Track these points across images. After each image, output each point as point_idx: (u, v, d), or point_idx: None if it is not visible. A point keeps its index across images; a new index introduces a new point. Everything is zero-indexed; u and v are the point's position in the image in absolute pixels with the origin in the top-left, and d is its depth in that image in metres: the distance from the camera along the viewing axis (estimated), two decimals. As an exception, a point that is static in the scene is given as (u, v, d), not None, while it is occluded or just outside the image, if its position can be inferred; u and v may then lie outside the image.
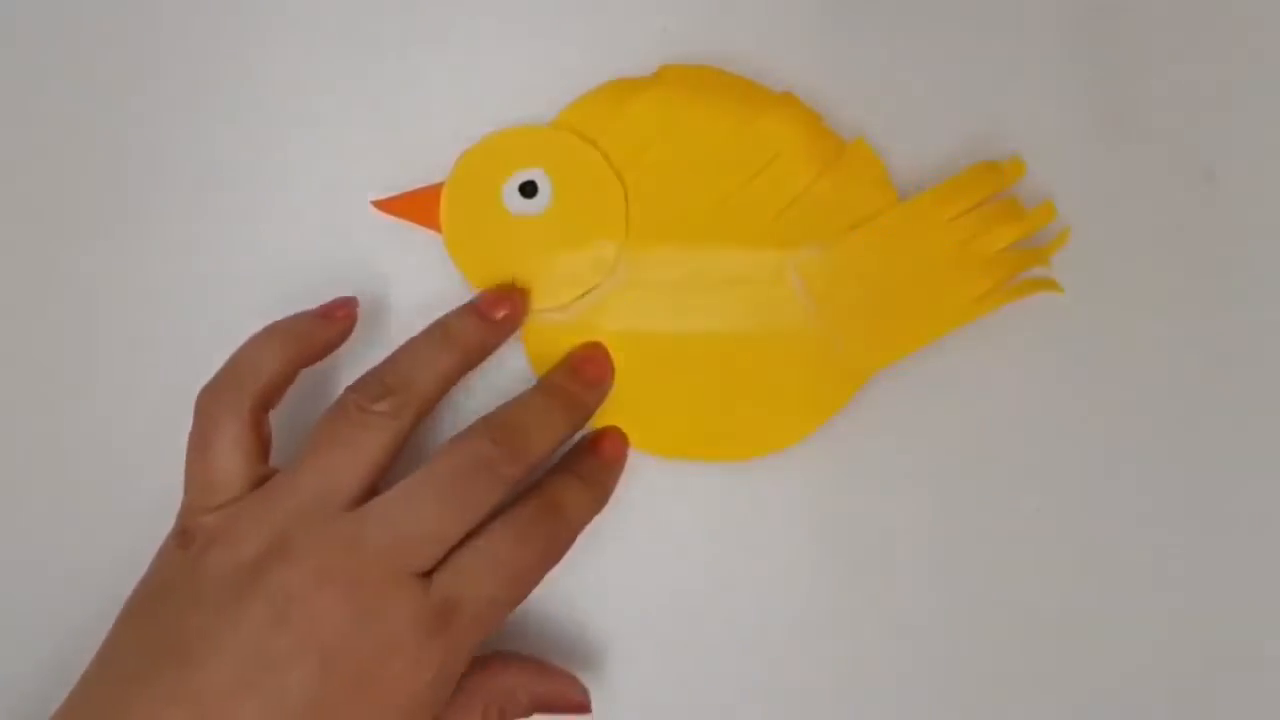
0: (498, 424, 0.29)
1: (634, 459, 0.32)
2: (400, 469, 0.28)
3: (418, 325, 0.32)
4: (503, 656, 0.30)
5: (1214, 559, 0.33)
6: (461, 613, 0.27)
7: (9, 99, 0.34)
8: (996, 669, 0.32)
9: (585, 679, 0.31)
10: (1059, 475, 0.33)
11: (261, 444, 0.29)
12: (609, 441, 0.32)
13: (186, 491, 0.28)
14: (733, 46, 0.33)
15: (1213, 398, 0.33)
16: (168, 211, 0.33)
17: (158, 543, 0.28)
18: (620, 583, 0.33)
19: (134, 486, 0.32)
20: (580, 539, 0.30)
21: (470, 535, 0.27)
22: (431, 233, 0.32)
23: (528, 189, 0.32)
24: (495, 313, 0.31)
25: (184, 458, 0.29)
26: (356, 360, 0.31)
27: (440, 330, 0.30)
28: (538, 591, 0.28)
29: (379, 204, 0.32)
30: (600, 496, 0.31)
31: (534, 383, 0.31)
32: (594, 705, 0.31)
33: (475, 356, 0.30)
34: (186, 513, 0.28)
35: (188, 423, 0.29)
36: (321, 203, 0.33)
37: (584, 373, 0.31)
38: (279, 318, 0.30)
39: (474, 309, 0.31)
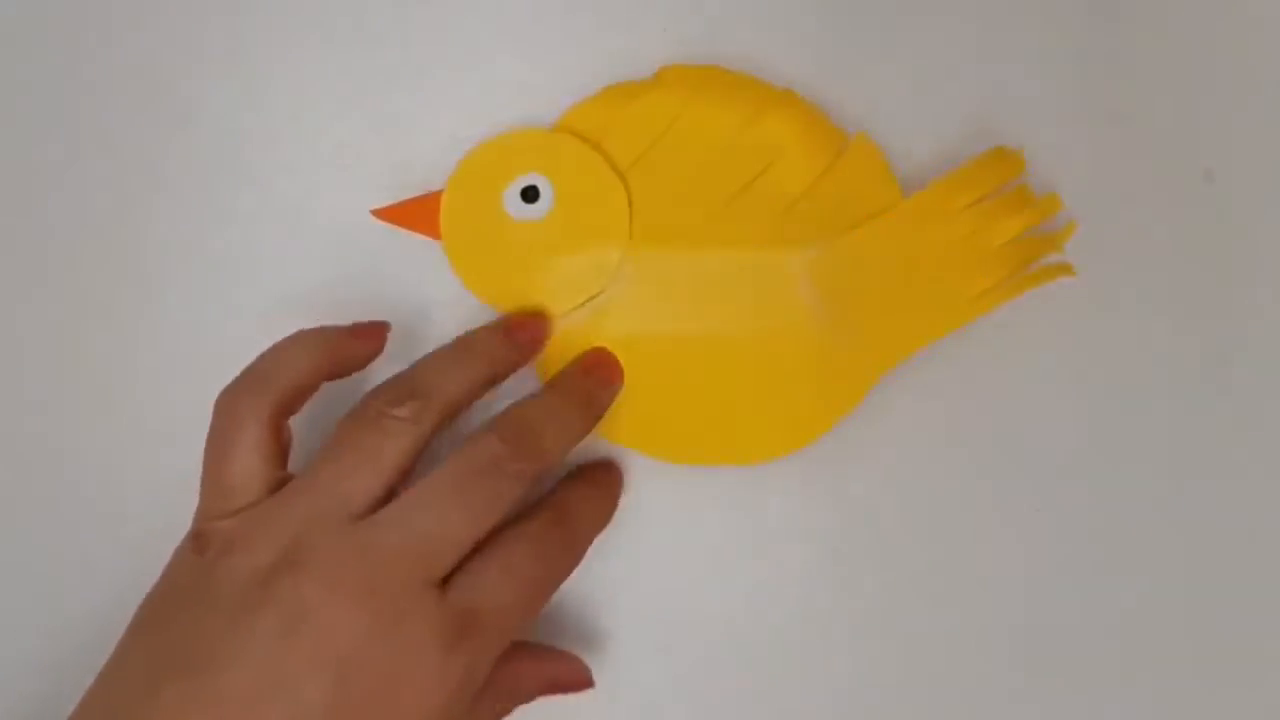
0: (510, 423, 0.28)
1: (641, 464, 0.32)
2: (417, 478, 0.28)
3: (418, 330, 0.32)
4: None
5: (1214, 559, 0.33)
6: (481, 624, 0.26)
7: (9, 99, 0.34)
8: (999, 671, 0.32)
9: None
10: (1060, 476, 0.33)
11: (281, 449, 0.28)
12: (606, 467, 0.32)
13: (202, 495, 0.28)
14: (733, 44, 0.33)
15: (1213, 398, 0.33)
16: (167, 212, 0.33)
17: (166, 546, 0.28)
18: (627, 588, 0.33)
19: (140, 490, 0.33)
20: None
21: (483, 545, 0.27)
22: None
23: (529, 194, 0.31)
24: (521, 334, 0.31)
25: (181, 463, 0.28)
26: (352, 376, 0.31)
27: (465, 344, 0.30)
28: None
29: (378, 212, 0.32)
30: (610, 507, 0.31)
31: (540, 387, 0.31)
32: (596, 706, 0.31)
33: (498, 372, 0.30)
34: (202, 517, 0.28)
35: (186, 429, 0.29)
36: (321, 206, 0.33)
37: (596, 373, 0.31)
38: (278, 321, 0.29)
39: (500, 328, 0.31)
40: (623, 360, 0.32)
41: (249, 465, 0.27)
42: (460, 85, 0.33)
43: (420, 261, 0.32)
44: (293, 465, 0.29)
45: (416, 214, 0.31)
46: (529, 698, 0.30)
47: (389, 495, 0.27)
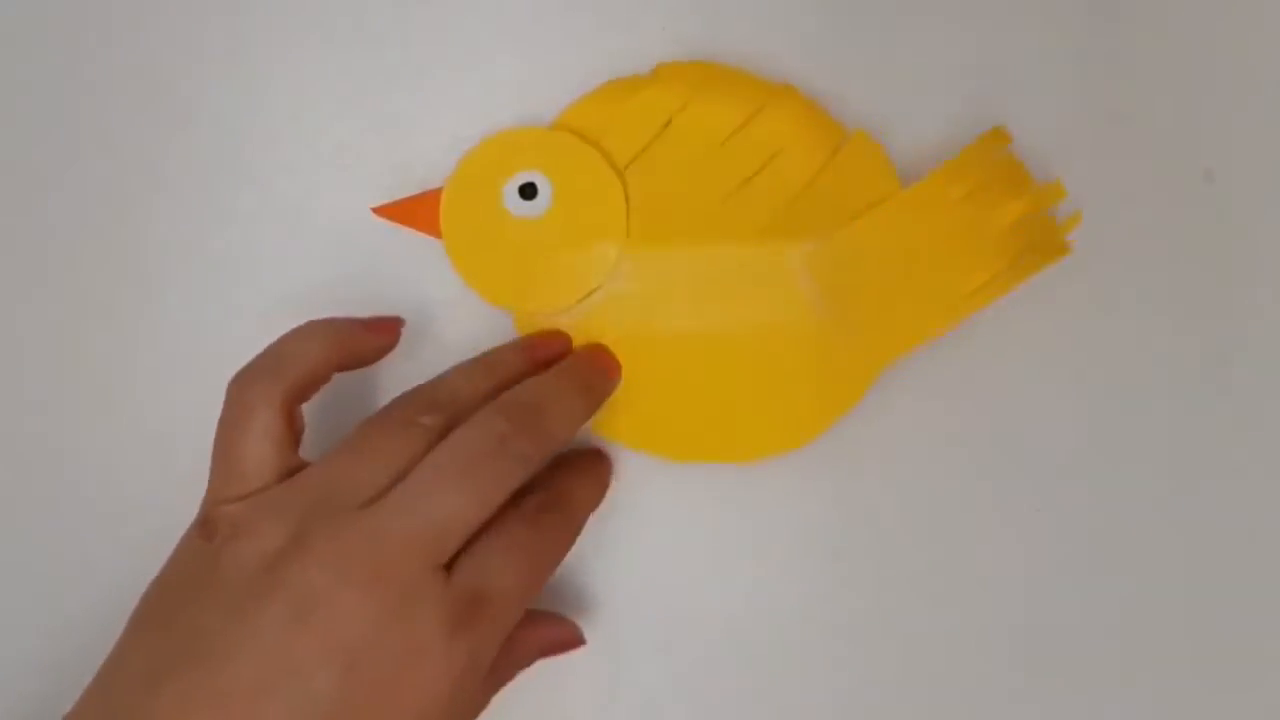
0: (514, 403, 0.28)
1: (641, 463, 0.32)
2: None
3: (418, 330, 0.32)
4: None
5: (1214, 559, 0.33)
6: (487, 606, 0.26)
7: (9, 99, 0.34)
8: (999, 671, 0.32)
9: (589, 679, 0.31)
10: (1060, 476, 0.33)
11: (293, 435, 0.28)
12: (595, 452, 0.32)
13: (212, 480, 0.28)
14: (732, 43, 0.33)
15: (1213, 398, 0.33)
16: (167, 212, 0.33)
17: (166, 546, 0.28)
18: (627, 588, 0.33)
19: (140, 490, 0.33)
20: (586, 541, 0.30)
21: (484, 527, 0.27)
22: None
23: (527, 191, 0.31)
24: (541, 353, 0.31)
25: (181, 463, 0.28)
26: (360, 370, 0.31)
27: (487, 361, 0.31)
28: (544, 593, 0.28)
29: (379, 210, 0.32)
30: (600, 486, 0.31)
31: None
32: (596, 706, 0.31)
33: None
34: (210, 502, 0.27)
35: (186, 429, 0.29)
36: (321, 206, 0.33)
37: (597, 362, 0.31)
38: (278, 321, 0.29)
39: (521, 346, 0.31)
40: (621, 357, 0.32)
41: (260, 451, 0.27)
42: (460, 85, 0.33)
43: (420, 261, 0.32)
44: (304, 454, 0.29)
45: (417, 212, 0.32)
46: (528, 663, 0.30)
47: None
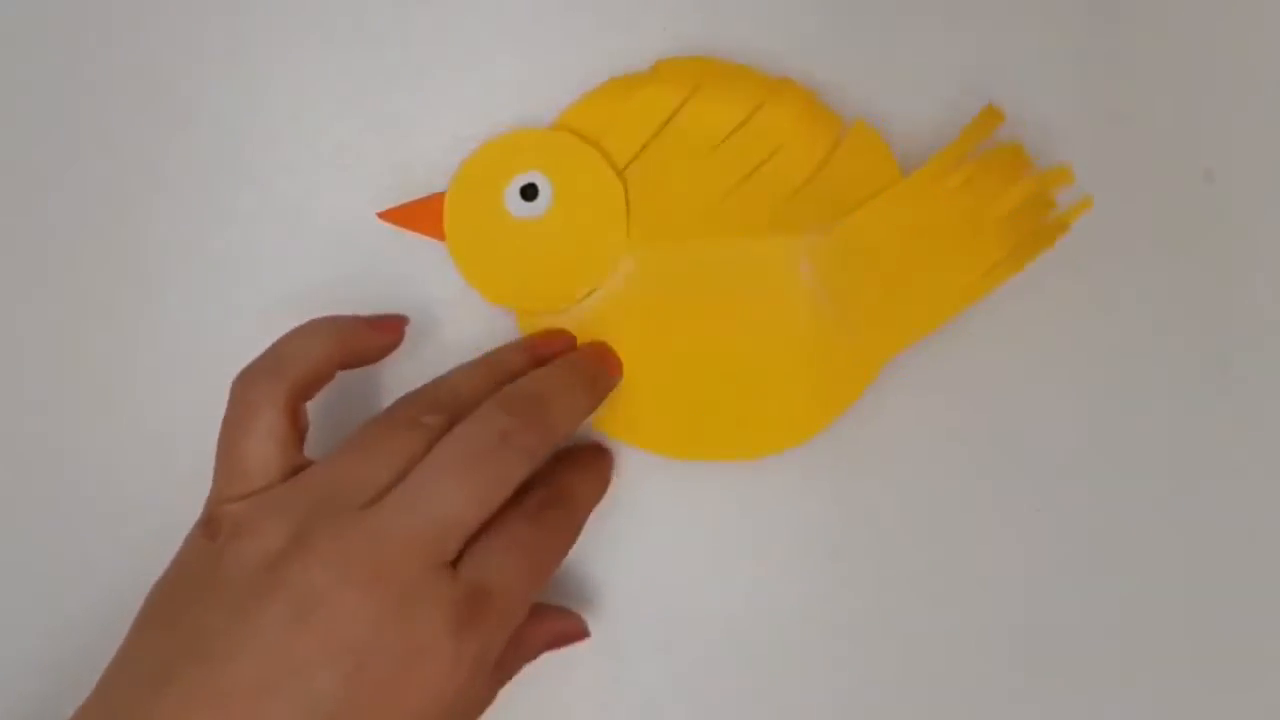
0: (516, 397, 0.28)
1: (641, 463, 0.32)
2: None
3: (419, 329, 0.32)
4: None
5: (1215, 559, 0.33)
6: (492, 603, 0.26)
7: (9, 99, 0.34)
8: (999, 670, 0.32)
9: (589, 678, 0.31)
10: (1060, 476, 0.33)
11: (297, 434, 0.28)
12: (595, 448, 0.32)
13: (216, 479, 0.28)
14: (733, 42, 0.33)
15: (1213, 398, 0.33)
16: (167, 212, 0.33)
17: (166, 546, 0.27)
18: (627, 588, 0.33)
19: (140, 490, 0.33)
20: (587, 541, 0.30)
21: (487, 524, 0.27)
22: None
23: (529, 192, 0.32)
24: (545, 353, 0.31)
25: (181, 463, 0.28)
26: (364, 369, 0.31)
27: (491, 361, 0.31)
28: (545, 591, 0.28)
29: (384, 215, 0.32)
30: (602, 481, 0.31)
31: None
32: (596, 706, 0.31)
33: None
34: (214, 501, 0.27)
35: (186, 429, 0.29)
36: (321, 206, 0.33)
37: (600, 358, 0.31)
38: (278, 321, 0.29)
39: (524, 346, 0.31)
40: (624, 355, 0.32)
41: (263, 450, 0.27)
42: (460, 85, 0.33)
43: (421, 261, 0.32)
44: (309, 452, 0.29)
45: (420, 215, 0.32)
46: (533, 656, 0.30)
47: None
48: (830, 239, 0.31)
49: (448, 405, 0.28)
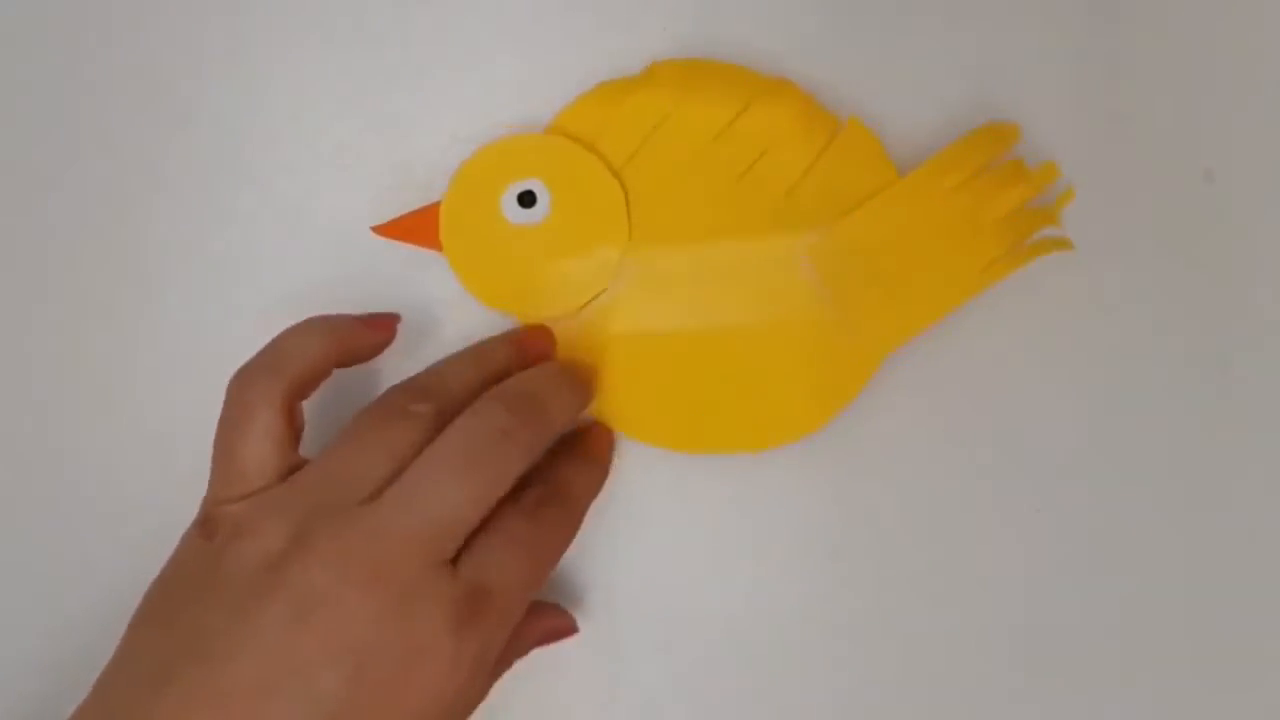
0: (512, 393, 0.28)
1: (641, 464, 0.32)
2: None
3: (419, 329, 0.32)
4: None
5: (1215, 559, 0.33)
6: (492, 601, 0.26)
7: (9, 99, 0.34)
8: (999, 670, 0.32)
9: (589, 678, 0.31)
10: (1060, 476, 0.33)
11: (293, 433, 0.28)
12: (596, 432, 0.32)
13: (212, 479, 0.28)
14: (733, 42, 0.33)
15: (1213, 398, 0.33)
16: (167, 212, 0.33)
17: (166, 546, 0.27)
18: (627, 587, 0.32)
19: (140, 490, 0.33)
20: (587, 541, 0.30)
21: (486, 520, 0.27)
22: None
23: (526, 199, 0.31)
24: (531, 347, 0.31)
25: (181, 463, 0.28)
26: (359, 368, 0.31)
27: (479, 352, 0.31)
28: (544, 589, 0.28)
29: (378, 229, 0.32)
30: (599, 480, 0.31)
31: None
32: (596, 706, 0.31)
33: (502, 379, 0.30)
34: (211, 501, 0.27)
35: (186, 429, 0.28)
36: (321, 206, 0.33)
37: (582, 366, 0.32)
38: (277, 321, 0.29)
39: (511, 339, 0.31)
40: (625, 353, 0.32)
41: (260, 450, 0.27)
42: (460, 85, 0.33)
43: (420, 261, 0.32)
44: (305, 451, 0.29)
45: (416, 228, 0.32)
46: (526, 652, 0.30)
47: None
48: (829, 237, 0.31)
49: (437, 394, 0.28)
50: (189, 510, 0.28)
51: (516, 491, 0.28)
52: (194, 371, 0.32)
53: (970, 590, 0.32)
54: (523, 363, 0.31)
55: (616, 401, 0.32)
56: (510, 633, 0.27)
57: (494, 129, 0.32)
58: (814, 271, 0.31)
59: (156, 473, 0.32)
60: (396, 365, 0.31)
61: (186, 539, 0.27)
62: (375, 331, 0.30)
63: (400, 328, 0.31)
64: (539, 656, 0.30)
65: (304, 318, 0.29)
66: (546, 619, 0.31)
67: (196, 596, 0.26)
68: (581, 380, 0.31)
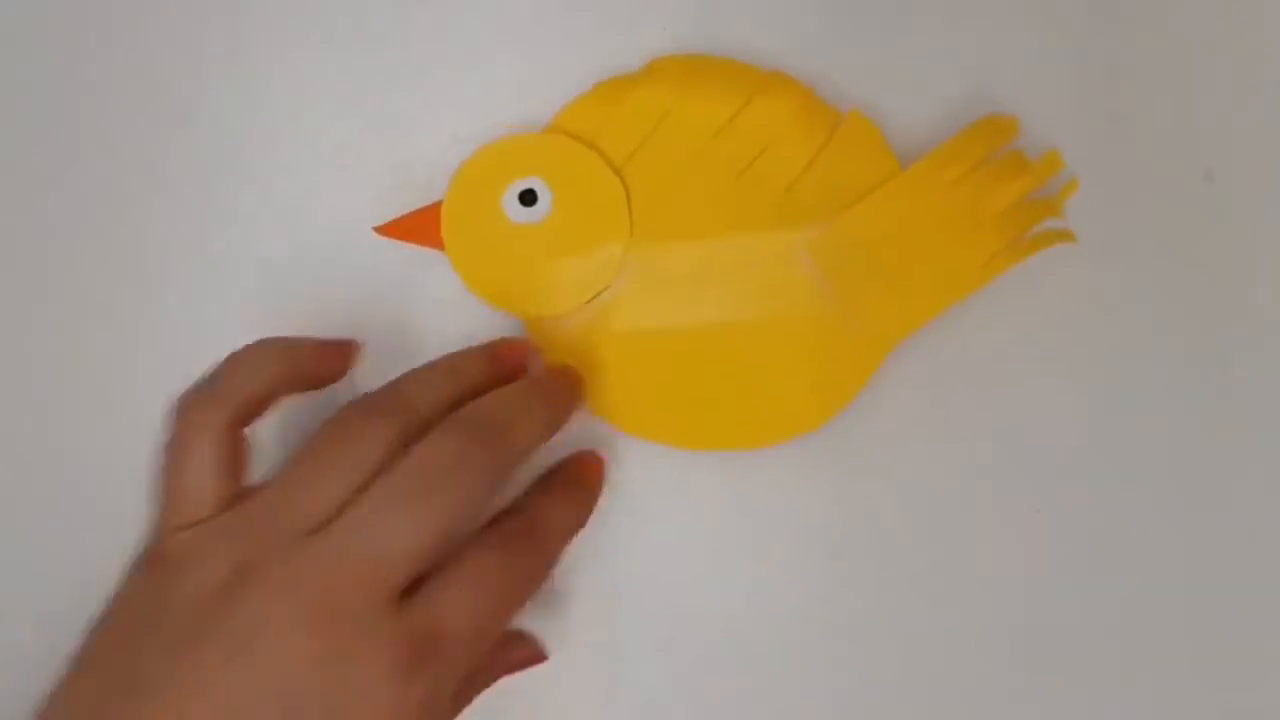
0: (471, 417, 0.26)
1: (641, 465, 0.32)
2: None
3: (419, 330, 0.32)
4: None
5: (1215, 559, 0.33)
6: (441, 646, 0.25)
7: (9, 99, 0.34)
8: (999, 670, 0.32)
9: (589, 678, 0.30)
10: (1060, 476, 0.33)
11: (238, 461, 0.27)
12: (587, 461, 0.31)
13: (158, 509, 0.27)
14: (733, 42, 0.33)
15: (1213, 398, 0.33)
16: (167, 212, 0.33)
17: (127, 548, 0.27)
18: (627, 587, 0.32)
19: (140, 490, 0.32)
20: (587, 541, 0.30)
21: (447, 557, 0.26)
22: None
23: (527, 197, 0.31)
24: (506, 359, 0.30)
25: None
26: (360, 369, 0.31)
27: (449, 364, 0.29)
28: (544, 590, 0.28)
29: (380, 230, 0.32)
30: (582, 515, 0.30)
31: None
32: (596, 706, 0.31)
33: (477, 394, 0.28)
34: (156, 531, 0.27)
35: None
36: (321, 206, 0.33)
37: (567, 374, 0.31)
38: (277, 321, 0.29)
39: (485, 351, 0.30)
40: (627, 350, 0.32)
41: (201, 480, 0.26)
42: (460, 85, 0.33)
43: (422, 260, 0.32)
44: (263, 471, 0.28)
45: (418, 227, 0.31)
46: (492, 682, 0.29)
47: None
48: (830, 232, 0.31)
49: (401, 412, 0.27)
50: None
51: (492, 521, 0.27)
52: (194, 372, 0.32)
53: (970, 590, 0.32)
54: (497, 377, 0.29)
55: (618, 398, 0.32)
56: (465, 673, 0.26)
57: (494, 129, 0.32)
58: (815, 267, 0.31)
59: (157, 473, 0.32)
60: (397, 367, 0.31)
61: (131, 570, 0.27)
62: (331, 359, 0.29)
63: (399, 330, 0.31)
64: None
65: (303, 317, 0.30)
66: (515, 649, 0.30)
67: (140, 630, 0.25)
68: (558, 397, 0.29)
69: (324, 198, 0.33)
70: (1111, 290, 0.33)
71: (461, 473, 0.25)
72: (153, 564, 0.26)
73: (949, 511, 0.33)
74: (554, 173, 0.31)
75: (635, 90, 0.32)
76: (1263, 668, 0.32)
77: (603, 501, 0.31)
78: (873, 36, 0.33)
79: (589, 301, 0.32)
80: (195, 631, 0.24)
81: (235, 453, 0.27)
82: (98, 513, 0.33)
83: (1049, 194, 0.32)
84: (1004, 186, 0.31)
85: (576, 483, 0.31)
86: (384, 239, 0.32)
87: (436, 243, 0.31)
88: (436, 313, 0.33)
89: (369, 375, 0.32)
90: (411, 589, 0.25)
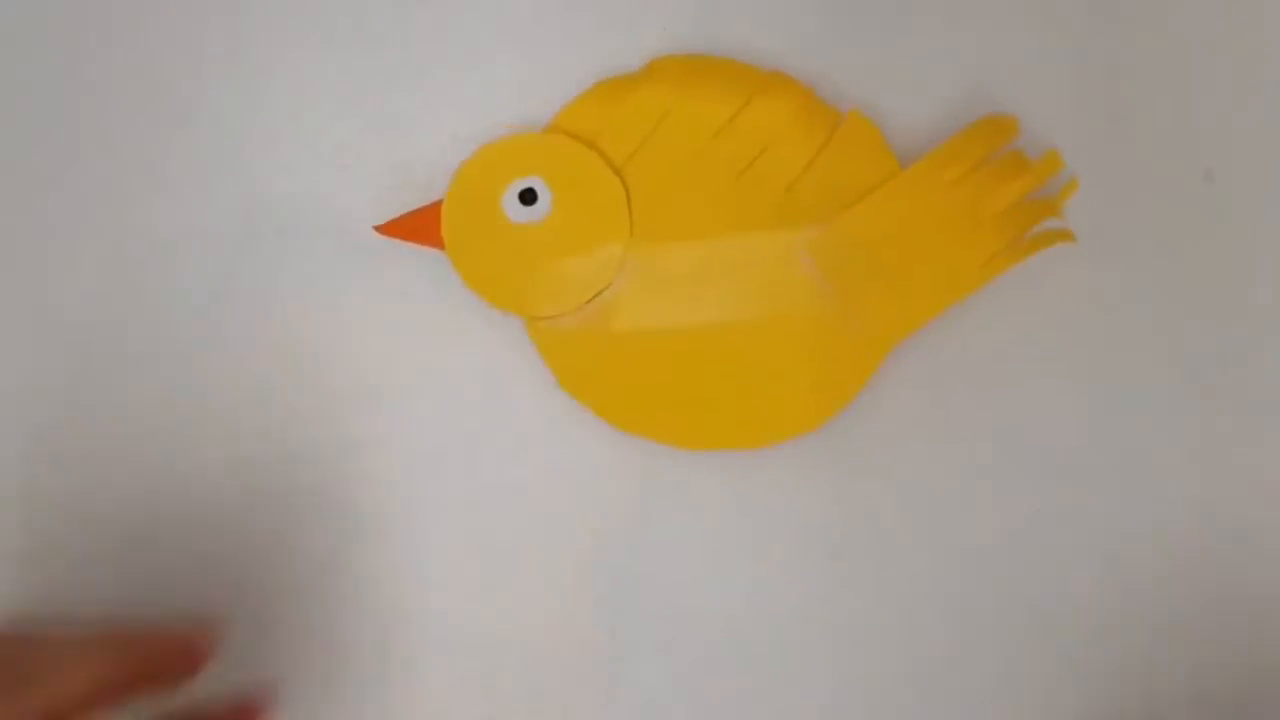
0: None
1: (642, 461, 0.32)
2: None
3: (419, 330, 0.32)
4: None
5: (1215, 559, 0.33)
6: None
7: (9, 99, 0.34)
8: (999, 670, 0.32)
9: (589, 678, 0.30)
10: (1060, 476, 0.33)
11: None
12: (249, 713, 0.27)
13: None
14: (733, 42, 0.33)
15: (1213, 398, 0.33)
16: (167, 212, 0.33)
17: (166, 546, 0.26)
18: (627, 587, 0.32)
19: (139, 490, 0.32)
20: (589, 539, 0.30)
21: None
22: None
23: (527, 197, 0.32)
24: (195, 651, 0.26)
25: (182, 464, 0.28)
26: (360, 369, 0.31)
27: (118, 639, 0.25)
28: (541, 583, 0.28)
29: (380, 229, 0.32)
30: None
31: (550, 392, 0.32)
32: (595, 704, 0.31)
33: (151, 684, 0.25)
34: None
35: (186, 429, 0.28)
36: (321, 206, 0.33)
37: (175, 641, 0.26)
38: (277, 322, 0.29)
39: (168, 637, 0.26)
40: (628, 350, 0.32)
41: None
42: (460, 85, 0.33)
43: (422, 260, 0.32)
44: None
45: (418, 227, 0.32)
46: None
47: None
48: (830, 232, 0.31)
49: (22, 686, 0.23)
50: (189, 510, 0.28)
51: None
52: (194, 372, 0.32)
53: (970, 590, 0.32)
54: (179, 666, 0.25)
55: (618, 398, 0.32)
56: None
57: (494, 129, 0.32)
58: (815, 267, 0.32)
59: (157, 473, 0.32)
60: (398, 369, 0.31)
61: None
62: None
63: (399, 333, 0.30)
64: (539, 656, 0.30)
65: (303, 318, 0.29)
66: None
67: None
68: (124, 651, 0.25)
69: (324, 198, 0.33)
70: (1111, 290, 0.33)
71: None
72: None
73: (949, 511, 0.33)
74: (554, 172, 0.32)
75: (635, 90, 0.32)
76: (1263, 668, 0.32)
77: (603, 500, 0.31)
78: (873, 36, 0.33)
79: (589, 301, 0.32)
80: None
81: None
82: (98, 513, 0.33)
83: (1049, 194, 0.32)
84: (1004, 186, 0.31)
85: None
86: (383, 240, 0.32)
87: (437, 242, 0.32)
88: (436, 312, 0.33)
89: (369, 375, 0.32)
90: None
